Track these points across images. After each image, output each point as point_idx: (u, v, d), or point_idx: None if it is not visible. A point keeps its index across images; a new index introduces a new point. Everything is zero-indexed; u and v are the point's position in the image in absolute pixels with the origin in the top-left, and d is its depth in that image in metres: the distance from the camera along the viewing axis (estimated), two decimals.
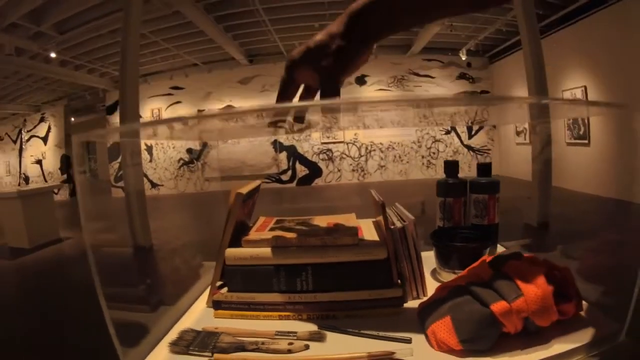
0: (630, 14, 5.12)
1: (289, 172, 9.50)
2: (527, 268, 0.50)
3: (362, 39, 0.47)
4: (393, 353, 0.47)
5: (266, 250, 0.57)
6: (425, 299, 0.58)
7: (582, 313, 0.53)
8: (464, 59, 9.00)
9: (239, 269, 0.57)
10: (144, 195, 4.07)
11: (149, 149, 9.64)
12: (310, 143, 9.59)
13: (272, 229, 0.63)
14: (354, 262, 0.57)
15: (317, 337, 0.51)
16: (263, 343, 0.49)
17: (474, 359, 0.46)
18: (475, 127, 9.52)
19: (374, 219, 0.72)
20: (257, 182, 0.70)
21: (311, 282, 0.57)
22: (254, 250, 0.57)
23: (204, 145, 9.74)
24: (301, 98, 0.52)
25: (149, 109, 9.55)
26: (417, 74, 9.45)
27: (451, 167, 0.80)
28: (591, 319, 0.52)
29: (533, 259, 0.53)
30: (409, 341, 0.50)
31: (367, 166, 9.29)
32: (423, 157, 9.23)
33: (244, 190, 0.60)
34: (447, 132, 9.41)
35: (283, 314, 0.57)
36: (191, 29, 6.69)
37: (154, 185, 9.36)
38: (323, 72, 0.47)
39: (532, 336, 0.48)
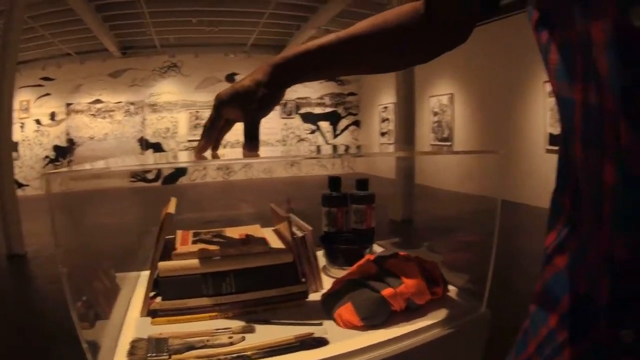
0: (495, 33, 5.59)
1: (154, 171, 8.78)
2: (404, 264, 0.63)
3: (280, 87, 0.53)
4: (312, 333, 0.55)
5: (194, 262, 0.60)
6: (323, 291, 0.67)
7: (453, 295, 0.67)
8: None
9: (171, 280, 0.59)
10: (15, 196, 3.44)
11: (14, 146, 8.14)
12: (176, 140, 8.90)
13: (194, 242, 0.66)
14: (266, 266, 0.63)
15: (249, 330, 0.56)
16: (208, 340, 0.52)
17: (372, 331, 0.57)
18: (340, 127, 9.91)
19: (273, 228, 0.79)
20: (174, 200, 0.72)
21: (234, 285, 0.61)
22: (183, 262, 0.59)
23: (71, 142, 8.58)
24: (221, 128, 0.56)
25: (17, 101, 7.99)
26: None
27: (335, 182, 0.90)
28: (459, 298, 0.67)
29: (407, 256, 0.66)
30: (320, 324, 0.58)
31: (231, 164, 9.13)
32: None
33: (172, 210, 0.61)
34: (312, 132, 9.62)
35: (212, 314, 0.60)
36: (69, 17, 5.82)
37: (19, 185, 7.92)
38: (249, 114, 0.53)
39: (414, 312, 0.60)
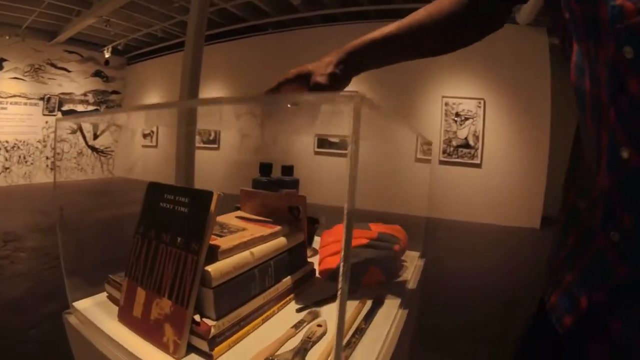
0: (268, 44, 5.76)
1: None
2: (392, 227, 0.67)
3: (350, 73, 0.50)
4: (364, 296, 0.52)
5: (245, 255, 0.42)
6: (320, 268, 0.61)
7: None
8: (107, 56, 7.12)
9: (223, 288, 0.39)
10: None
11: None
12: None
13: (216, 235, 0.45)
14: (290, 248, 0.52)
15: (317, 313, 0.46)
16: (309, 337, 0.39)
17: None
18: (101, 128, 8.20)
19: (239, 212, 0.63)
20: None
21: (273, 276, 0.48)
22: (235, 259, 0.41)
23: None
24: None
25: None
26: (55, 66, 7.03)
27: (266, 168, 0.82)
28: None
29: (378, 223, 0.69)
30: (356, 290, 0.54)
31: None
32: (47, 157, 7.09)
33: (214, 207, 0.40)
34: (73, 132, 7.60)
35: (264, 315, 0.44)
36: None
37: None
38: (315, 87, 0.48)
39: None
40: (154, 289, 0.40)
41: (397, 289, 0.58)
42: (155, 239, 0.41)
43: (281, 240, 0.50)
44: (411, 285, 0.61)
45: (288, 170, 0.85)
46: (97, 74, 8.07)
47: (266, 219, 0.55)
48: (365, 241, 0.61)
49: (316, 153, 5.52)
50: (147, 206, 0.43)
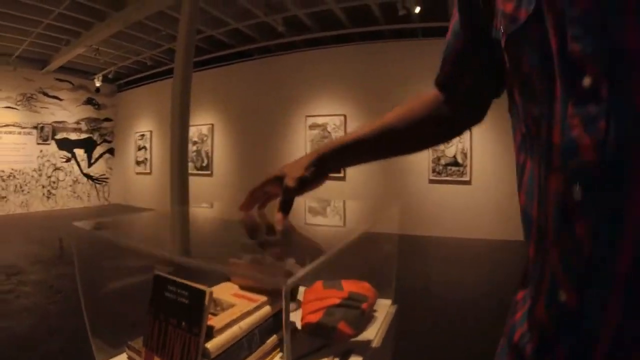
0: (258, 69, 5.92)
1: None
2: (356, 284, 0.79)
3: (320, 173, 0.56)
4: (336, 350, 0.63)
5: (235, 330, 0.54)
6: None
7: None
8: (98, 84, 7.42)
9: (220, 357, 0.51)
10: None
11: None
12: None
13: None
14: (272, 315, 0.64)
15: None
16: None
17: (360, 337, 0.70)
18: (95, 155, 8.38)
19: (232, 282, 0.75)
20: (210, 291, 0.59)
21: (259, 340, 0.60)
22: (226, 335, 0.53)
23: None
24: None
25: None
26: (47, 94, 7.29)
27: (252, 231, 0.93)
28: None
29: (349, 280, 0.82)
30: (329, 345, 0.66)
31: None
32: (44, 186, 7.23)
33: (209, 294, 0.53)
34: (68, 160, 7.79)
35: None
36: None
37: None
38: (286, 190, 0.56)
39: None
40: (167, 358, 0.52)
41: (366, 340, 0.70)
42: (164, 320, 0.54)
43: (265, 310, 0.62)
44: (379, 334, 0.73)
45: (271, 229, 0.97)
46: (89, 101, 8.34)
47: (252, 288, 0.68)
48: (337, 300, 0.74)
49: None
50: (155, 293, 0.56)
